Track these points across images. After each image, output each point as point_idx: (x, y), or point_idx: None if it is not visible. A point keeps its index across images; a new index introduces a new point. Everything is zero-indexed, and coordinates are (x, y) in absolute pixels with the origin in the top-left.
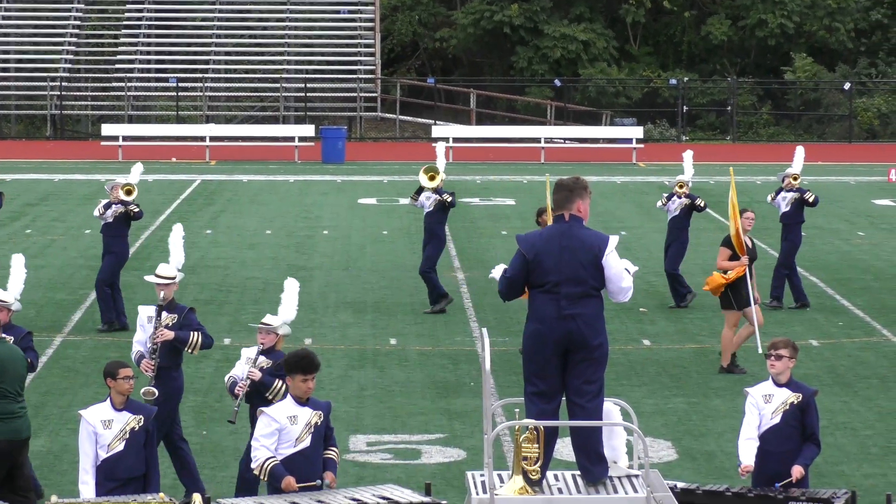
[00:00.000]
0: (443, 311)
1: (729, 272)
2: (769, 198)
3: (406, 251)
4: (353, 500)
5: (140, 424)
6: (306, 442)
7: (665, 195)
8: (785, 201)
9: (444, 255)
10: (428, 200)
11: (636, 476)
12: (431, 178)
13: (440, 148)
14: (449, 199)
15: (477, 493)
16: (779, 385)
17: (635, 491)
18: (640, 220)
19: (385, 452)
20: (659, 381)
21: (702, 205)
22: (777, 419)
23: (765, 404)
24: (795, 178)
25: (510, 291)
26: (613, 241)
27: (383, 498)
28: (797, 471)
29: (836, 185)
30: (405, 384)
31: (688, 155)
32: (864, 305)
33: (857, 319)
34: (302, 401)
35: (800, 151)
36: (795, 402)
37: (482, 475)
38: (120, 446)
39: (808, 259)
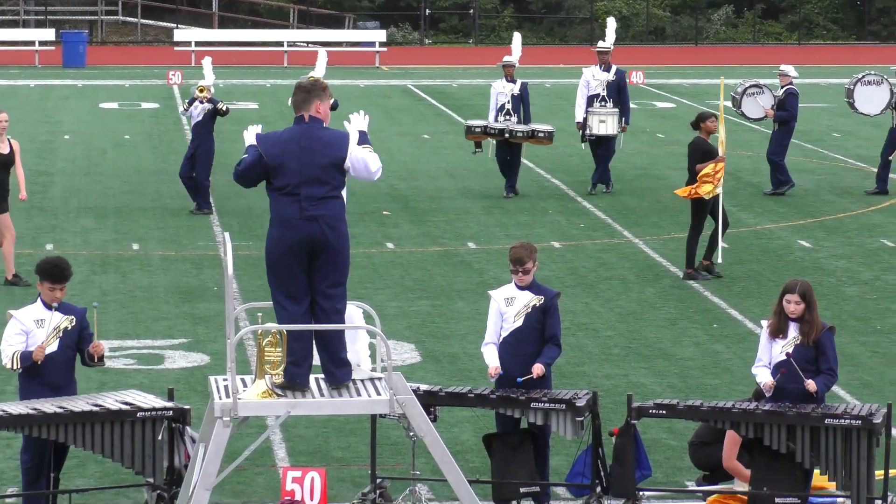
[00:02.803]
0: None
1: None
2: (181, 108)
3: (149, 155)
4: (95, 405)
5: None
6: (53, 347)
7: (187, 101)
8: (197, 110)
9: None
10: None
11: (379, 379)
12: None
13: None
14: None
15: (220, 398)
16: (521, 288)
17: (378, 393)
18: (384, 123)
19: (128, 358)
20: (402, 283)
21: (224, 109)
22: (519, 322)
23: (507, 307)
24: (315, 79)
25: (241, 182)
26: (354, 136)
27: (126, 403)
28: (538, 368)
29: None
30: (148, 289)
31: (206, 61)
32: (606, 207)
33: (598, 221)
34: (51, 306)
35: (322, 54)
36: (537, 304)
37: (225, 380)
38: None
39: (550, 161)
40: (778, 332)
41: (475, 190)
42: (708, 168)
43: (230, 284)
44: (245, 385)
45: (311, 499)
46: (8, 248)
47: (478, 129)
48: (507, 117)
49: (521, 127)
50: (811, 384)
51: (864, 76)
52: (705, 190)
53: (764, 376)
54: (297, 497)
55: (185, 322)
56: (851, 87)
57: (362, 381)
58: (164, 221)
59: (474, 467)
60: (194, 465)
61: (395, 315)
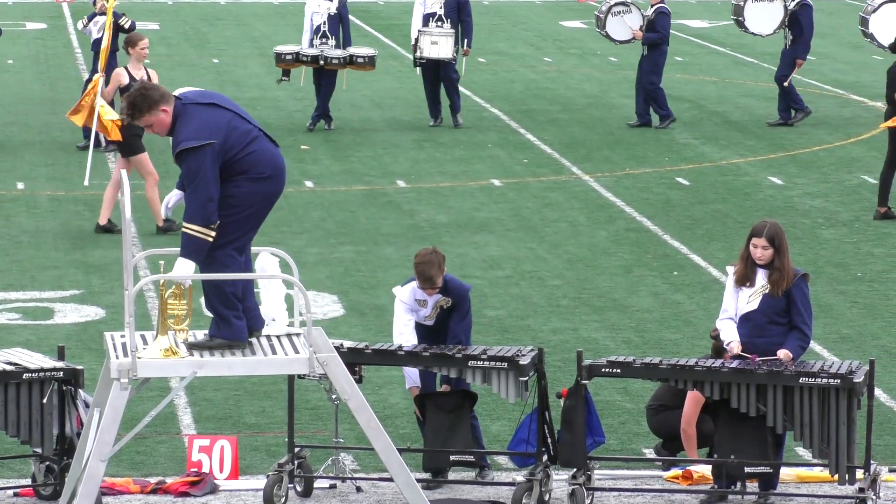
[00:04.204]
0: None
1: None
2: (80, 24)
3: (35, 82)
4: None
5: None
6: None
7: (87, 16)
8: (97, 27)
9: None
10: None
11: (297, 335)
12: None
13: None
14: None
15: (117, 357)
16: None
17: (296, 351)
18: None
19: (12, 312)
20: (323, 227)
21: (128, 24)
22: (431, 322)
23: (421, 308)
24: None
25: (212, 207)
26: None
27: (10, 364)
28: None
29: (520, 4)
30: (35, 234)
31: None
32: (552, 140)
33: (543, 156)
34: None
35: None
36: (444, 305)
37: (123, 336)
38: None
39: (489, 89)
40: (744, 279)
41: (404, 121)
42: None
43: (128, 229)
44: (145, 342)
45: (221, 471)
46: (150, 193)
47: (289, 57)
48: (324, 41)
49: (337, 52)
50: (785, 353)
51: None
52: None
53: (729, 332)
54: (205, 469)
55: (76, 271)
56: (741, 3)
57: (278, 337)
58: (52, 157)
59: (405, 434)
60: (88, 432)
61: (314, 262)
